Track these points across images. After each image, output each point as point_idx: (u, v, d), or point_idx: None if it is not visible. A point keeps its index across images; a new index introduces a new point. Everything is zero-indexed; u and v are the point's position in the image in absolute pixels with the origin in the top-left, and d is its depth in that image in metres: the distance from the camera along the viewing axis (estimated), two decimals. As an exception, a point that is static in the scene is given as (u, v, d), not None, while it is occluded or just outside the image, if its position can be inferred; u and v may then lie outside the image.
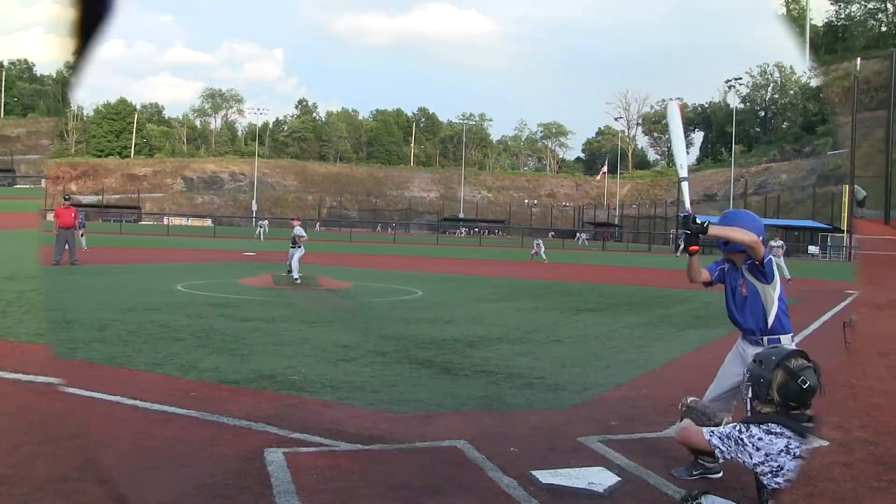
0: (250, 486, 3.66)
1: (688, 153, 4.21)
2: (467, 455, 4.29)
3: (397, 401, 5.58)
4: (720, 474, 4.11)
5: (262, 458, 4.09)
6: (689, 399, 3.47)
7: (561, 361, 7.60)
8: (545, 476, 3.93)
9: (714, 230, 3.93)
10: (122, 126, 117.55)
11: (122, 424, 4.66)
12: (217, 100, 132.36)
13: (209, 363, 6.73)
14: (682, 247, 4.11)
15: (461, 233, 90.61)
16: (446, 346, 8.19)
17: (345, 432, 4.66)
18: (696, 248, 4.01)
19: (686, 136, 4.29)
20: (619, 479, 3.94)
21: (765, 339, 4.07)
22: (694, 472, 4.10)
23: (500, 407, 5.54)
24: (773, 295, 4.12)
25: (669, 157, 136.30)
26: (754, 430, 2.76)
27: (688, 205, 4.01)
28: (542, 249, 31.65)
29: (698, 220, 3.87)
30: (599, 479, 3.92)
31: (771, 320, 4.08)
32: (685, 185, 4.04)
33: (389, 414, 5.19)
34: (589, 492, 3.75)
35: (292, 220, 17.81)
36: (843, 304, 15.62)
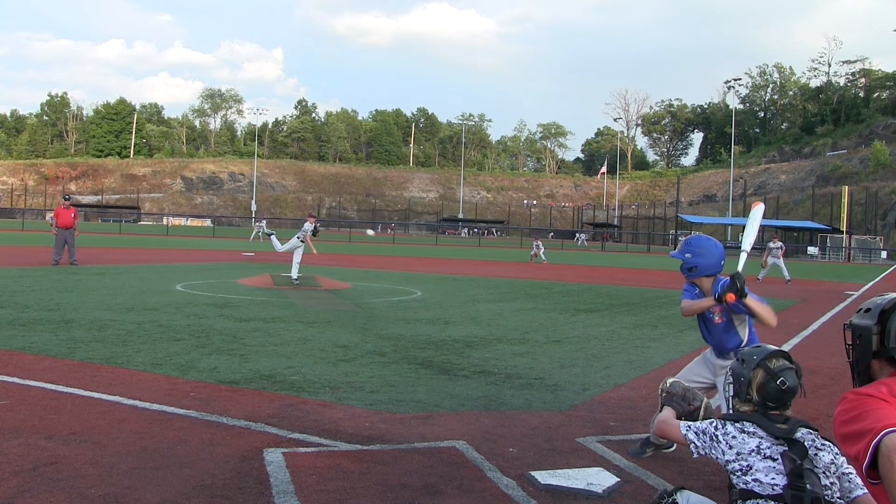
0: (249, 487, 3.66)
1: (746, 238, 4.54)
2: (466, 455, 4.29)
3: (396, 401, 5.58)
4: (672, 448, 4.44)
5: (261, 458, 4.10)
6: (669, 382, 3.46)
7: (560, 362, 7.60)
8: (544, 476, 3.94)
9: (750, 301, 4.07)
10: (121, 126, 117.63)
11: (121, 424, 4.66)
12: (216, 100, 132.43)
13: (208, 363, 6.73)
14: (723, 292, 4.20)
15: (463, 233, 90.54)
16: (445, 347, 8.19)
17: (344, 432, 4.66)
18: (734, 299, 4.06)
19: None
20: (618, 479, 3.95)
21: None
22: (647, 451, 4.42)
23: (499, 407, 5.54)
24: (746, 319, 4.35)
25: (668, 157, 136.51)
26: (730, 427, 2.78)
27: (740, 268, 4.15)
28: (542, 250, 31.65)
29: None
30: (598, 479, 3.93)
31: (745, 340, 4.32)
32: (744, 256, 4.28)
33: (388, 414, 5.19)
34: (587, 492, 3.75)
35: (309, 216, 16.67)
36: (842, 305, 15.65)
